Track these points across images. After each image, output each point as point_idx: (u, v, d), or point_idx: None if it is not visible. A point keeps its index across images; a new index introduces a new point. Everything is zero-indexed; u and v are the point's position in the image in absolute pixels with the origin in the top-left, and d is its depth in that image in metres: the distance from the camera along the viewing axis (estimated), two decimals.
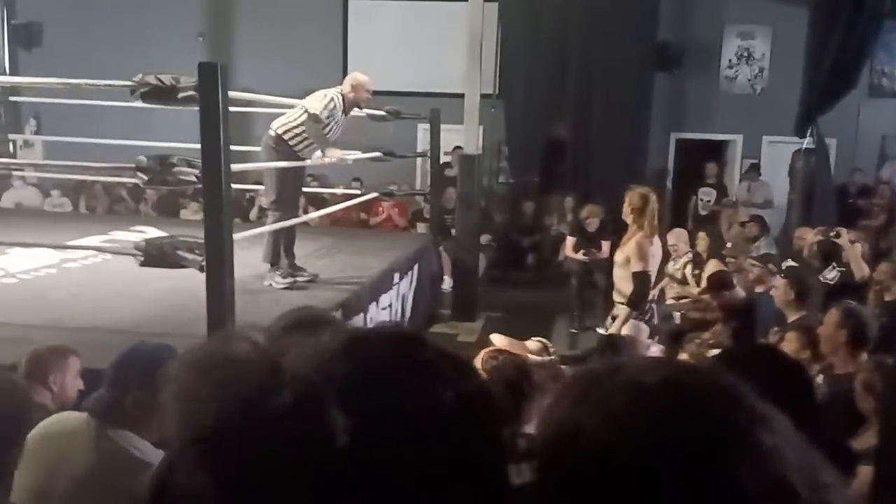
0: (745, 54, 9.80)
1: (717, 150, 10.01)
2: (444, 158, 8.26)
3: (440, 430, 0.62)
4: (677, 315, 6.19)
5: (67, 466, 1.87)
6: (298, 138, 4.79)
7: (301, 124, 4.77)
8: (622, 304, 4.76)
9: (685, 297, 6.39)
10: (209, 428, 0.60)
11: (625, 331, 4.77)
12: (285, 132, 4.79)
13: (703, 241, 6.74)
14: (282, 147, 4.77)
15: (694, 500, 0.56)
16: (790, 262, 5.94)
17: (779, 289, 4.66)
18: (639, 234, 4.61)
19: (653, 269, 4.71)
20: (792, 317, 4.45)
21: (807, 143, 8.35)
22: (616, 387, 0.63)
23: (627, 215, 4.69)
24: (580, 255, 7.59)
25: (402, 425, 0.60)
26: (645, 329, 4.79)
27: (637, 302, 4.68)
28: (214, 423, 0.60)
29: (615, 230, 7.75)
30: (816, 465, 0.60)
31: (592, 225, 7.67)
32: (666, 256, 6.26)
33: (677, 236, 6.63)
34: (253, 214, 8.47)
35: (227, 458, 0.59)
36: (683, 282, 6.52)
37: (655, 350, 4.90)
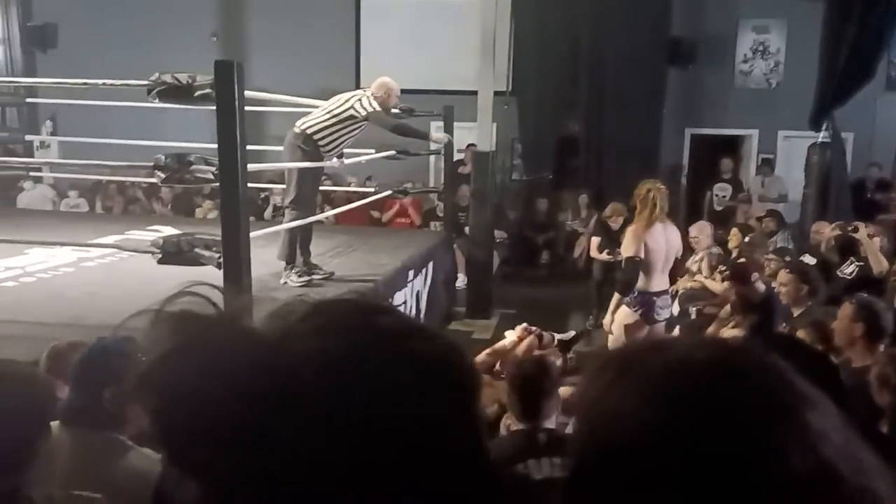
0: (761, 48, 9.74)
1: (732, 146, 9.95)
2: (457, 156, 8.27)
3: (390, 397, 0.59)
4: (693, 310, 6.17)
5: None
6: (327, 138, 4.83)
7: (333, 125, 4.82)
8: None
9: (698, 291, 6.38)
10: (173, 396, 0.57)
11: (619, 319, 4.81)
12: (316, 132, 4.81)
13: (735, 237, 6.72)
14: (309, 146, 4.80)
15: (742, 479, 0.55)
16: (807, 257, 5.89)
17: (786, 284, 4.62)
18: (636, 224, 4.70)
19: (656, 260, 4.68)
20: (797, 312, 4.43)
21: (822, 136, 8.28)
22: (663, 364, 0.61)
23: (634, 207, 4.79)
24: (604, 256, 7.53)
25: (348, 392, 0.58)
26: (631, 316, 4.78)
27: (624, 288, 4.75)
28: (178, 389, 0.57)
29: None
30: (858, 448, 0.59)
31: (616, 223, 7.62)
32: (688, 251, 6.29)
33: (700, 229, 6.63)
34: (268, 213, 8.51)
35: (186, 423, 0.57)
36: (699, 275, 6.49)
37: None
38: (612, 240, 7.63)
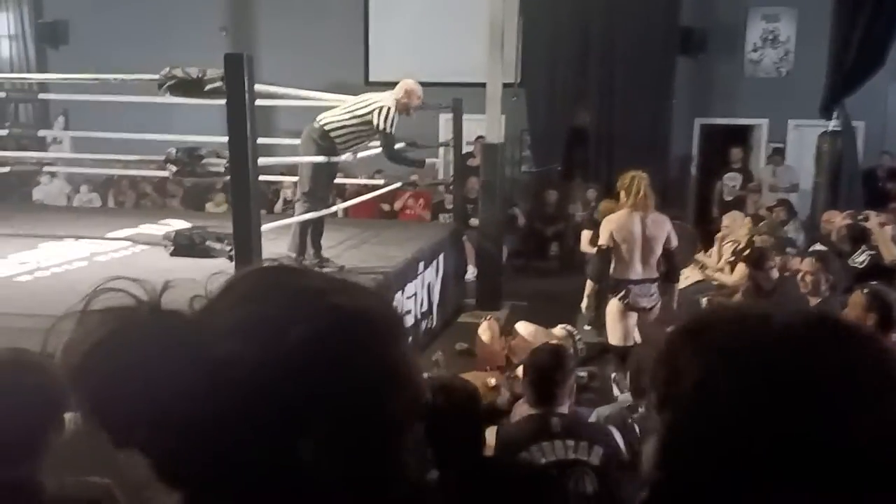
0: (770, 37, 9.67)
1: (742, 135, 9.90)
2: (466, 148, 8.27)
3: (313, 349, 0.60)
4: (704, 301, 6.18)
5: None
6: (345, 137, 4.89)
7: (353, 126, 4.89)
8: None
9: (707, 281, 6.39)
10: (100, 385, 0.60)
11: (608, 309, 4.97)
12: (333, 129, 4.87)
13: (744, 226, 6.73)
14: (325, 142, 4.86)
15: (845, 443, 0.58)
16: (819, 246, 5.87)
17: (812, 273, 4.58)
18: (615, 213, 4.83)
19: (632, 248, 4.74)
20: (814, 301, 4.42)
21: (833, 125, 8.24)
22: (763, 334, 0.64)
23: (618, 195, 4.89)
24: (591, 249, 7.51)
25: (258, 351, 0.59)
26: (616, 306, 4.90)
27: (595, 276, 5.00)
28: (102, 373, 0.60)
29: None
30: None
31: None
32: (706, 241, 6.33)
33: (733, 219, 6.66)
34: (278, 207, 8.54)
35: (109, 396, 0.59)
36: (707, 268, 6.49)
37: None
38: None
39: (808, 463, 0.59)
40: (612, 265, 4.83)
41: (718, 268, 6.53)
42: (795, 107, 9.35)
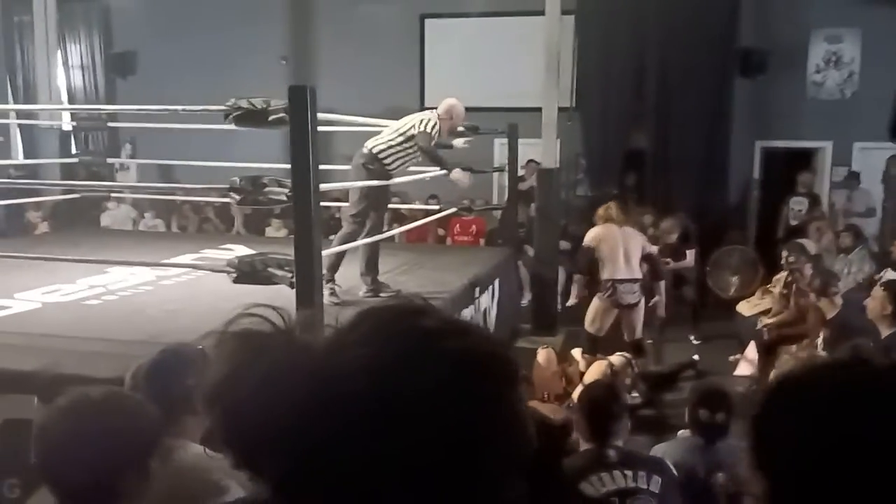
0: (834, 58, 9.45)
1: (805, 158, 9.66)
2: (520, 172, 8.27)
3: (431, 395, 0.62)
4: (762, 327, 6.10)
5: None
6: (393, 157, 4.92)
7: (398, 144, 4.90)
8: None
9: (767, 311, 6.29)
10: (234, 401, 0.64)
11: (592, 305, 6.25)
12: (381, 150, 4.91)
13: (787, 258, 6.59)
14: (375, 165, 4.89)
15: None
16: (891, 273, 5.69)
17: (875, 300, 4.46)
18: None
19: (613, 251, 6.03)
20: (885, 331, 4.27)
21: None
22: (857, 394, 0.63)
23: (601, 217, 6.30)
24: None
25: (391, 390, 0.62)
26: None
27: (576, 267, 6.51)
28: (237, 395, 0.64)
29: (701, 240, 7.65)
30: None
31: (671, 238, 7.60)
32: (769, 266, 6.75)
33: (790, 249, 6.62)
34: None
35: (248, 428, 0.63)
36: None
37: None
38: (667, 254, 7.60)
39: None
40: (602, 268, 6.08)
41: (782, 292, 6.38)
42: (861, 129, 9.10)
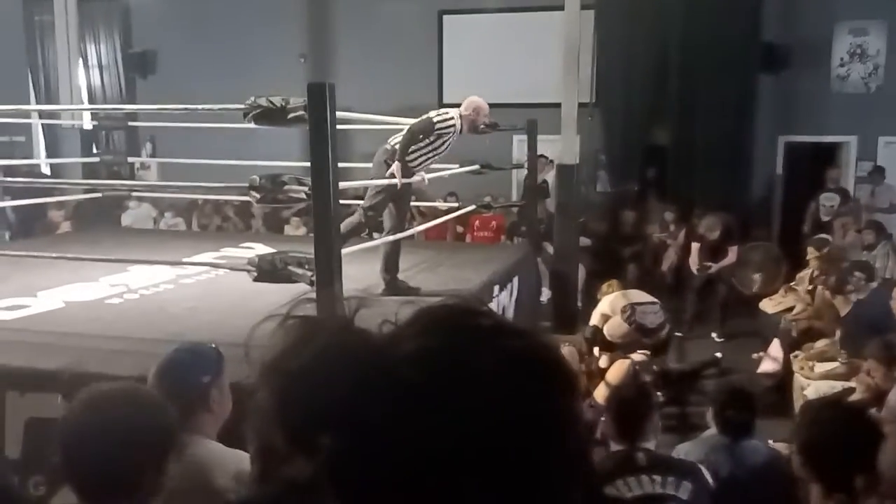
0: (858, 51, 9.30)
1: (829, 153, 9.53)
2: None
3: (486, 389, 0.63)
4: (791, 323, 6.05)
5: None
6: (415, 154, 4.88)
7: (419, 140, 4.85)
8: None
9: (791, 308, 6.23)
10: (283, 399, 0.65)
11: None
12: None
13: (812, 255, 6.53)
14: (394, 161, 4.86)
15: None
16: None
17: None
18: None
19: None
20: None
21: None
22: None
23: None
24: (695, 268, 7.65)
25: (448, 392, 0.63)
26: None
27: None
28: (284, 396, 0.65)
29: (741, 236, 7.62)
30: None
31: (713, 235, 7.57)
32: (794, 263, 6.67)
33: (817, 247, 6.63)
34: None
35: (304, 419, 0.64)
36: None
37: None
38: (708, 251, 7.54)
39: None
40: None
41: (807, 289, 6.33)
42: (886, 123, 8.96)
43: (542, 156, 8.11)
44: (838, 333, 5.44)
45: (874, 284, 5.54)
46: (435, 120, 4.84)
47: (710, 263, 7.52)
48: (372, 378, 0.63)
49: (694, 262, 7.69)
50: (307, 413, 0.64)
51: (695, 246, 7.76)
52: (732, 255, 7.50)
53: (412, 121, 5.11)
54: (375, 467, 0.62)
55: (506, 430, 0.63)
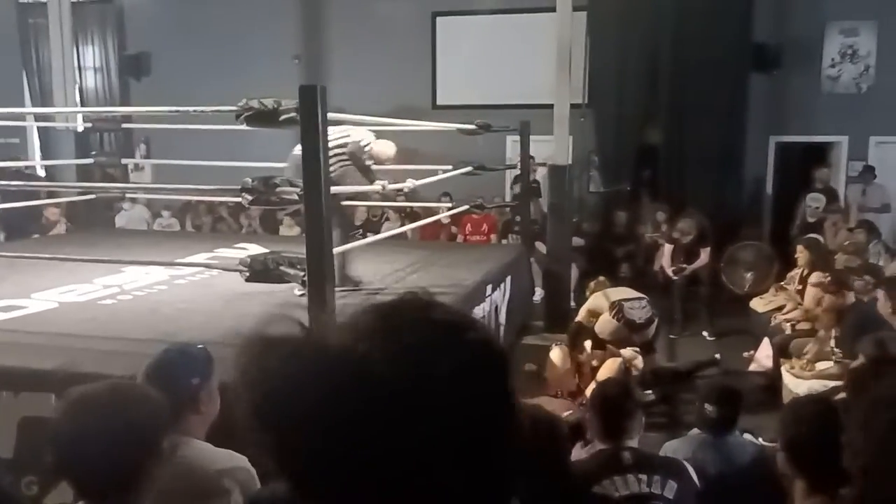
0: (849, 52, 9.36)
1: (820, 153, 9.58)
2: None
3: (450, 380, 0.67)
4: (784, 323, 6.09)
5: None
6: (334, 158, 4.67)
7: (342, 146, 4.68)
8: None
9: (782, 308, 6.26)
10: (265, 401, 0.68)
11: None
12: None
13: (802, 254, 6.57)
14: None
15: None
16: None
17: (880, 300, 4.50)
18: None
19: None
20: None
21: None
22: None
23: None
24: (670, 270, 7.70)
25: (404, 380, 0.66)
26: None
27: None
28: (264, 395, 0.68)
29: (715, 237, 7.66)
30: None
31: (685, 240, 7.64)
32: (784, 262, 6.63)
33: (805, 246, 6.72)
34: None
35: (282, 418, 0.67)
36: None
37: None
38: (681, 253, 7.63)
39: None
40: None
41: (797, 289, 6.37)
42: (877, 123, 9.01)
43: (532, 158, 8.12)
44: (833, 332, 5.47)
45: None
46: (361, 144, 4.73)
47: (684, 265, 7.60)
48: (340, 381, 0.66)
49: (667, 264, 7.74)
50: (285, 421, 0.67)
51: (667, 248, 7.82)
52: (705, 256, 7.56)
53: (407, 122, 5.12)
54: (352, 465, 0.65)
55: (471, 418, 0.67)
